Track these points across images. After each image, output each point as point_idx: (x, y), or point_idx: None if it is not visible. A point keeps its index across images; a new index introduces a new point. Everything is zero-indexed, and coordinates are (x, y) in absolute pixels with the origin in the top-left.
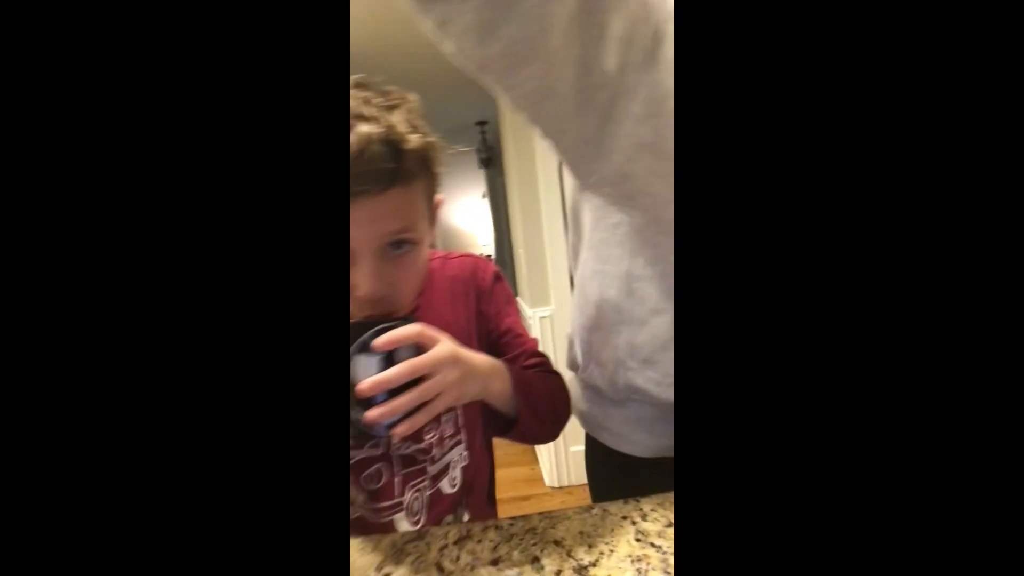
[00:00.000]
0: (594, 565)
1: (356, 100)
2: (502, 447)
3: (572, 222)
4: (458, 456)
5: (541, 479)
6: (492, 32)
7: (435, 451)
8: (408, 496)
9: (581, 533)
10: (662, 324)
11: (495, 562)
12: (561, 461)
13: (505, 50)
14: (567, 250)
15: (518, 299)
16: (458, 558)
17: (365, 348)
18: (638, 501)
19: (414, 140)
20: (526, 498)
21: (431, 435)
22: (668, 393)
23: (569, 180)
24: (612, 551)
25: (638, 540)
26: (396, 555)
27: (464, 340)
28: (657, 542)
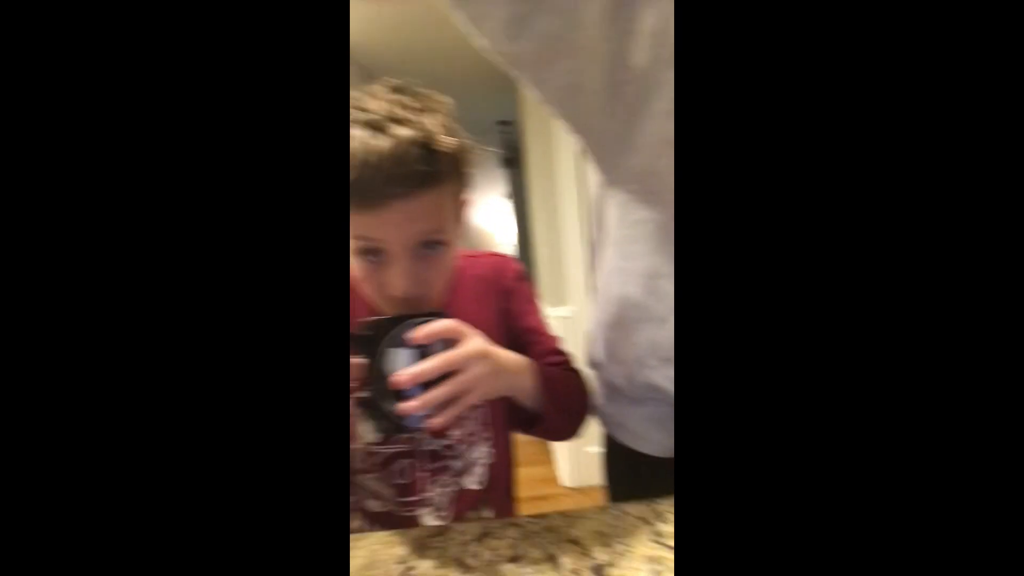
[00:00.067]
0: (611, 565)
1: (391, 103)
2: (519, 446)
3: (595, 218)
4: (483, 453)
5: (556, 479)
6: (524, 27)
7: (461, 448)
8: (433, 492)
9: (598, 533)
10: None
11: (514, 559)
12: (578, 461)
13: (536, 45)
14: (589, 247)
15: None
16: (478, 554)
17: (400, 342)
18: (655, 502)
19: (448, 143)
20: (543, 498)
21: (457, 432)
22: None
23: (594, 176)
24: (629, 551)
25: (655, 541)
26: (419, 549)
27: (489, 338)
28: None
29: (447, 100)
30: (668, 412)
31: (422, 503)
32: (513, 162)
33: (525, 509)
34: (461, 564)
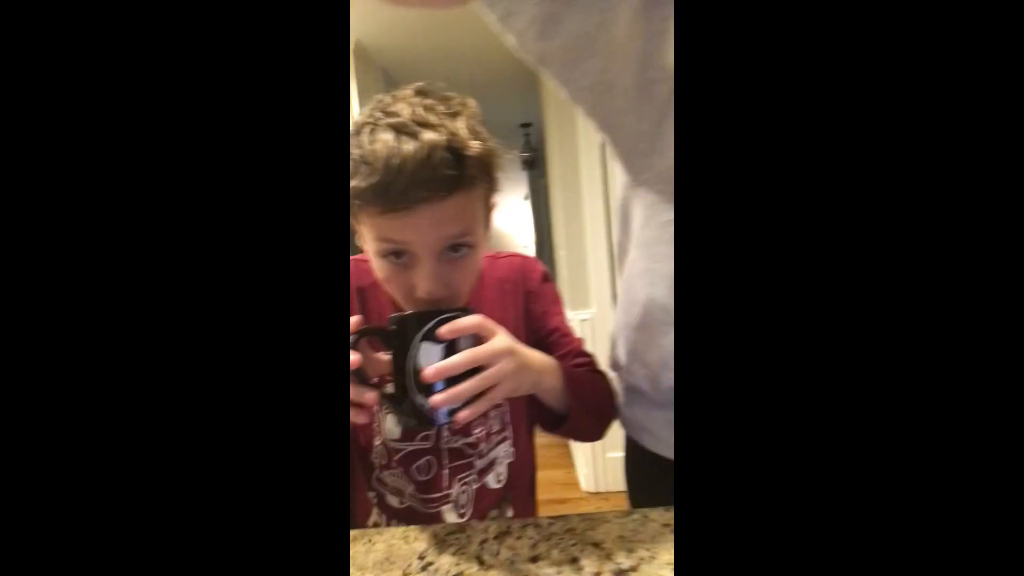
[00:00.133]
0: (634, 570)
1: (419, 107)
2: (538, 449)
3: (621, 219)
4: (504, 452)
5: (576, 483)
6: (554, 25)
7: (483, 446)
8: (456, 489)
9: (621, 537)
10: None
11: (534, 559)
12: (598, 466)
13: (566, 43)
14: (614, 249)
15: None
16: (498, 553)
17: (429, 336)
18: None
19: (476, 147)
20: (562, 501)
21: (479, 430)
22: None
23: (620, 176)
24: (653, 557)
25: None
26: (438, 546)
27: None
28: None
29: (473, 102)
30: None
31: (444, 500)
32: (533, 164)
33: (544, 512)
34: (480, 561)
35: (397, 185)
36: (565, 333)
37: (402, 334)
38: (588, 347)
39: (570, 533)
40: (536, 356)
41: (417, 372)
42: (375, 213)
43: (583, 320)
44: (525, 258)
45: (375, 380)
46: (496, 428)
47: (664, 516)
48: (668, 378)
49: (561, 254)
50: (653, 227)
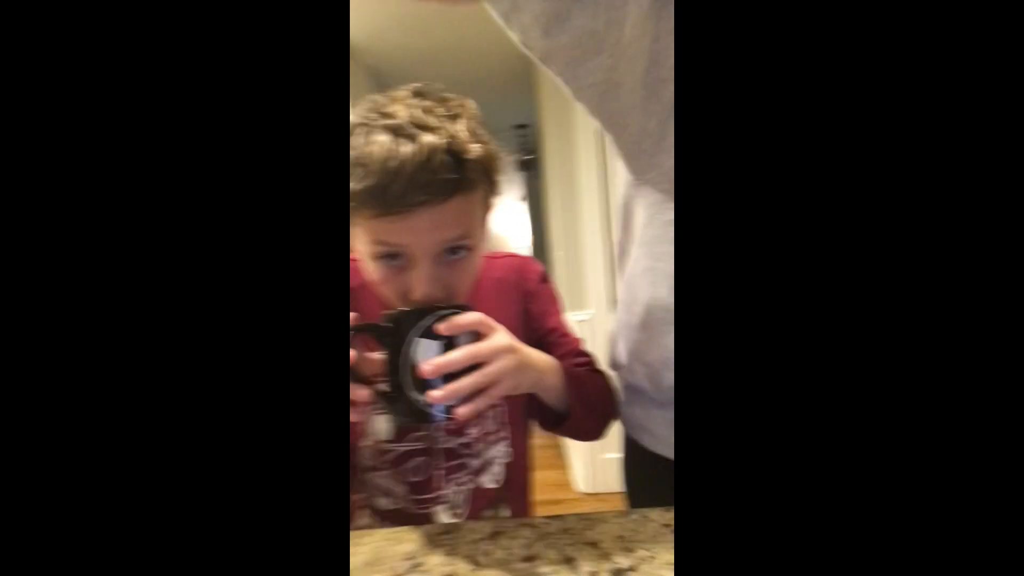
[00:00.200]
0: (633, 570)
1: (417, 109)
2: (533, 450)
3: (622, 218)
4: (500, 452)
5: (570, 484)
6: (560, 23)
7: (477, 446)
8: (449, 489)
9: (619, 537)
10: None
11: (528, 559)
12: (593, 467)
13: (572, 41)
14: (613, 248)
15: None
16: (490, 553)
17: (427, 332)
18: None
19: (476, 150)
20: (556, 502)
21: (474, 430)
22: None
23: (622, 175)
24: (652, 557)
25: None
26: (428, 546)
27: None
28: None
29: (472, 104)
30: None
31: (437, 501)
32: (529, 165)
33: (539, 513)
34: (472, 561)
35: (395, 188)
36: (564, 333)
37: (398, 330)
38: (587, 347)
39: (566, 533)
40: (536, 354)
41: (414, 368)
42: (370, 216)
43: (581, 321)
44: (523, 258)
45: (369, 378)
46: (492, 428)
47: (664, 516)
48: (669, 377)
49: (558, 255)
50: (656, 226)
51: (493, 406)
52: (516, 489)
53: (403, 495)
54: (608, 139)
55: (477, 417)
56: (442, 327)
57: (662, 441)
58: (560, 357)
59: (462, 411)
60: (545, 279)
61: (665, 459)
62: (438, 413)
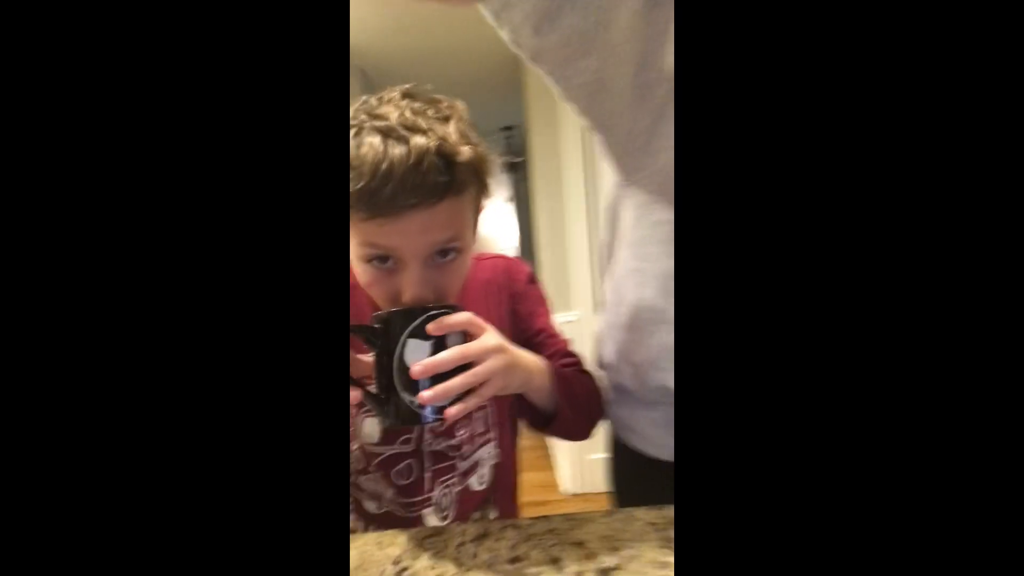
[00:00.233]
0: (618, 569)
1: (408, 111)
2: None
3: (609, 220)
4: (488, 454)
5: (556, 485)
6: (551, 22)
7: (465, 448)
8: (437, 492)
9: (605, 536)
10: None
11: (514, 560)
12: (579, 468)
13: (562, 41)
14: (600, 249)
15: None
16: (476, 555)
17: (416, 333)
18: (665, 507)
19: (466, 152)
20: (543, 503)
21: (462, 432)
22: None
23: (609, 176)
24: (637, 556)
25: (665, 547)
26: (414, 550)
27: None
28: None
29: (462, 105)
30: None
31: (425, 504)
32: (516, 167)
33: (525, 514)
34: (458, 564)
35: (385, 191)
36: (552, 334)
37: (387, 331)
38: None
39: (551, 533)
40: (525, 355)
41: (404, 369)
42: (360, 218)
43: (567, 323)
44: (510, 259)
45: (358, 380)
46: (480, 430)
47: (649, 514)
48: (656, 377)
49: (544, 256)
50: (644, 227)
51: (481, 407)
52: (504, 491)
53: (391, 498)
54: (596, 139)
55: (466, 417)
56: (432, 327)
57: (649, 441)
58: (548, 357)
59: (452, 410)
60: (533, 280)
61: (651, 459)
62: (428, 414)
